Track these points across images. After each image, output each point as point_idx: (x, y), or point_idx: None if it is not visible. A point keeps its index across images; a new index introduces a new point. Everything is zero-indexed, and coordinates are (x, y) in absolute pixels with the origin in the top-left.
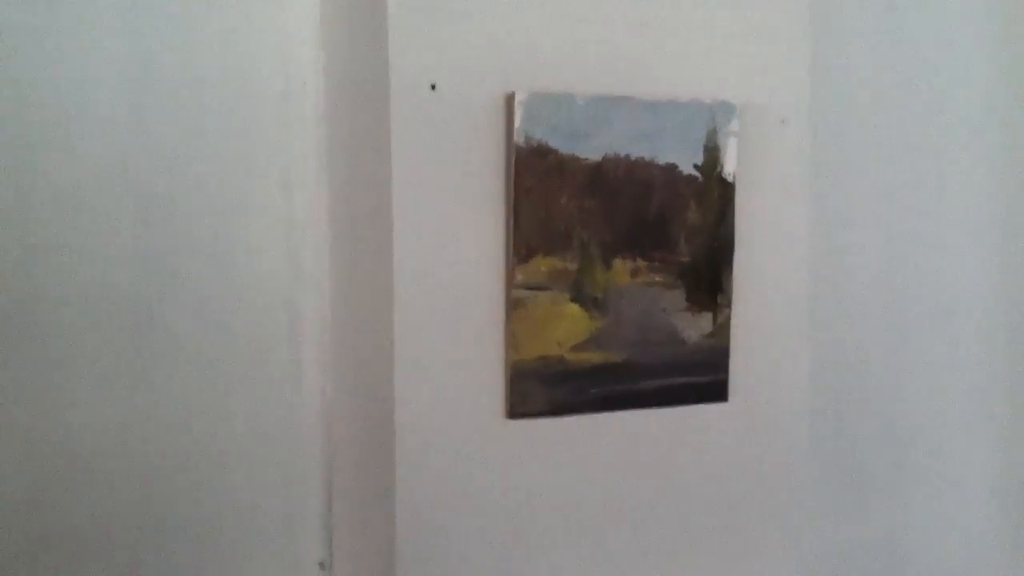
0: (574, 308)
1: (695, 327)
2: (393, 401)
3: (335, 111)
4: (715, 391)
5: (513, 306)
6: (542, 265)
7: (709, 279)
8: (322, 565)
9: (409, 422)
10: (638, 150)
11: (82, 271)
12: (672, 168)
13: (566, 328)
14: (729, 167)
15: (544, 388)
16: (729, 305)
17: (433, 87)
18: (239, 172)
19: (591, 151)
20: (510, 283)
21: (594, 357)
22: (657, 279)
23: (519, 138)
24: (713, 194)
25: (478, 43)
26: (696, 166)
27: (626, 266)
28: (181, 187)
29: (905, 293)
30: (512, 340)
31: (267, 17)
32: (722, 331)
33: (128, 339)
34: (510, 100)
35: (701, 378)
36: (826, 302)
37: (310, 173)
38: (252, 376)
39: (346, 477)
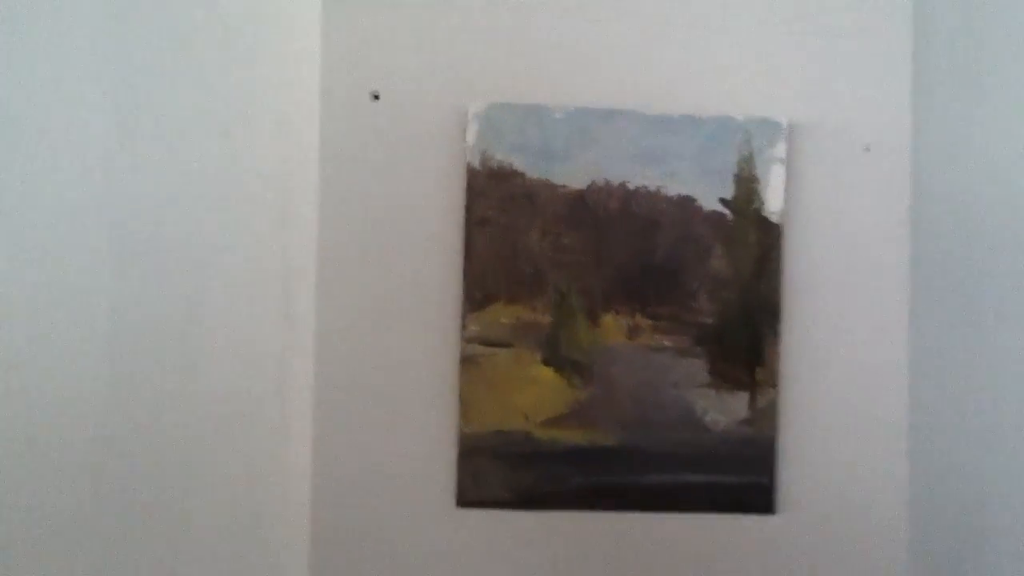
0: (547, 372)
1: (723, 409)
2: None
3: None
4: (756, 498)
5: (464, 365)
6: (503, 315)
7: (744, 348)
8: None
9: (331, 506)
10: (639, 177)
11: (61, 317)
12: (687, 202)
13: (536, 396)
14: (773, 204)
15: (506, 471)
16: (775, 384)
17: (376, 97)
18: (235, 218)
19: (572, 176)
20: (460, 336)
21: (574, 436)
22: (666, 343)
23: (473, 158)
24: (749, 238)
25: (431, 47)
26: (724, 201)
27: (620, 323)
28: (167, 223)
29: None
30: (463, 408)
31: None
32: (765, 418)
33: (107, 393)
34: (463, 113)
35: (733, 478)
36: (931, 389)
37: (306, 214)
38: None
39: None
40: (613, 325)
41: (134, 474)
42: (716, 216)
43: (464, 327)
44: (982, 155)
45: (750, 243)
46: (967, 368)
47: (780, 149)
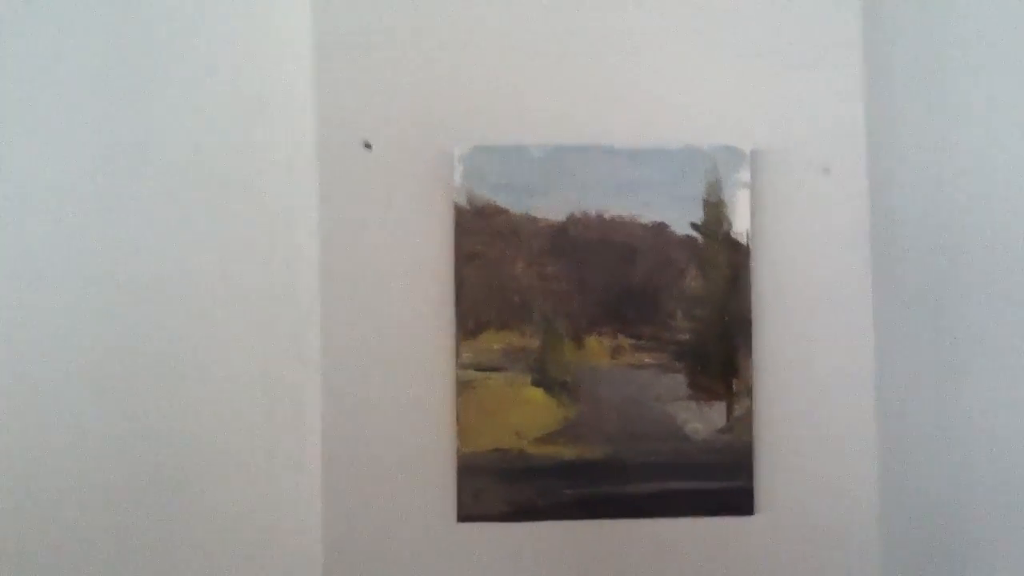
0: (537, 393)
1: (703, 420)
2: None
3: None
4: (736, 501)
5: (460, 389)
6: (494, 342)
7: (720, 362)
8: None
9: (341, 522)
10: (614, 207)
11: (68, 346)
12: (661, 228)
13: (527, 416)
14: (740, 225)
15: (502, 487)
16: (749, 394)
17: (368, 146)
18: (242, 260)
19: (552, 210)
20: (455, 362)
21: (565, 452)
22: (647, 360)
23: (460, 197)
24: (719, 258)
25: (417, 96)
26: (695, 225)
27: (604, 344)
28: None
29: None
30: (460, 429)
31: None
32: (741, 426)
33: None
34: (450, 156)
35: (715, 483)
36: (896, 393)
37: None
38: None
39: None
40: (597, 346)
41: (145, 499)
42: (688, 240)
43: (459, 354)
44: (936, 172)
45: (721, 264)
46: (930, 372)
47: (744, 174)
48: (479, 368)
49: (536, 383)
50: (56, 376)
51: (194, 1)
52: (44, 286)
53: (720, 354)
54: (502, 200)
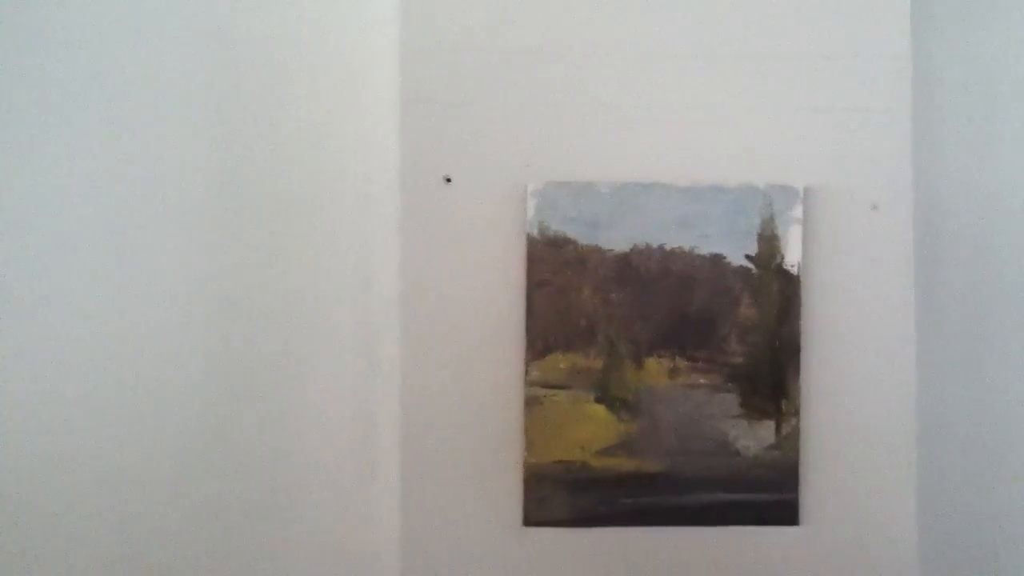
0: (599, 409)
1: (753, 437)
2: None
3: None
4: (782, 512)
5: (528, 404)
6: (561, 362)
7: (770, 383)
8: None
9: (417, 525)
10: (675, 240)
11: (161, 371)
12: (718, 259)
13: (590, 431)
14: (792, 258)
15: (565, 495)
16: (796, 414)
17: (448, 180)
18: (320, 282)
19: (617, 241)
20: (524, 380)
21: (625, 464)
22: (702, 381)
23: (532, 229)
24: (771, 288)
25: (494, 134)
26: (749, 257)
27: (662, 365)
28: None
29: None
30: (528, 441)
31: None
32: (789, 443)
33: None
34: (523, 191)
35: (763, 496)
36: (935, 415)
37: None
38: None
39: None
40: (656, 367)
41: (233, 507)
42: (743, 270)
43: (528, 373)
44: (979, 208)
45: (773, 293)
46: (971, 398)
47: (797, 211)
48: (546, 386)
49: (599, 400)
50: (154, 392)
51: (291, 46)
52: (135, 311)
53: (770, 376)
54: (571, 232)
